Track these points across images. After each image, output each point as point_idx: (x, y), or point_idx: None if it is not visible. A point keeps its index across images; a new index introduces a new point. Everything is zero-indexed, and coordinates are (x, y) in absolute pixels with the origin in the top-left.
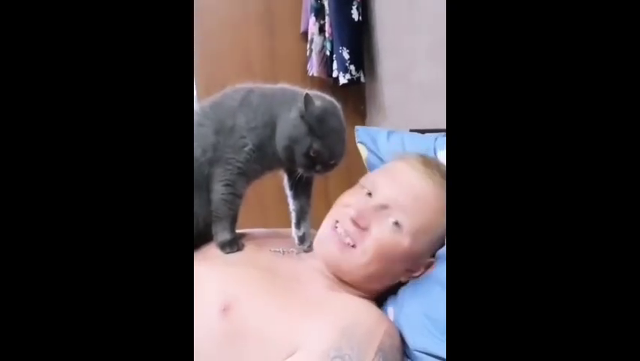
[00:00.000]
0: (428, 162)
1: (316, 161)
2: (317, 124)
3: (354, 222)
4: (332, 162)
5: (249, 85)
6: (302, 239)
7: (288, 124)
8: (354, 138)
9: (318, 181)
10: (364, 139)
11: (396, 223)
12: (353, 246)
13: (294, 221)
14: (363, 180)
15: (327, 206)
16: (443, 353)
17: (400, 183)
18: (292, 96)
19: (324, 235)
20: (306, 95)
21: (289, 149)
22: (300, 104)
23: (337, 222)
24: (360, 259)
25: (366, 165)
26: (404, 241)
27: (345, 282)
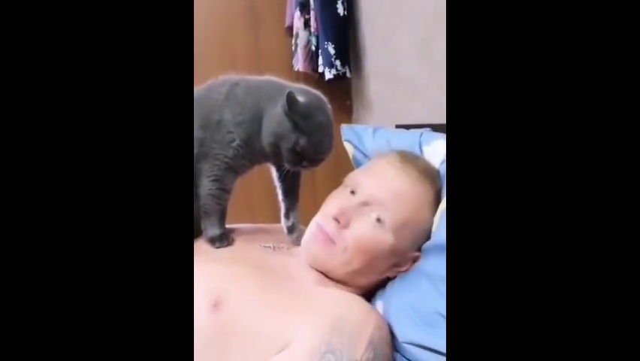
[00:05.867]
0: (406, 158)
1: (303, 156)
2: (302, 120)
3: (335, 220)
4: (319, 158)
5: (233, 77)
6: (291, 229)
7: (273, 121)
8: (340, 134)
9: (305, 176)
10: (350, 137)
11: (379, 220)
12: (334, 243)
13: (283, 211)
14: (346, 179)
15: (315, 201)
16: (431, 344)
17: (380, 180)
18: (278, 90)
19: (308, 235)
20: (289, 93)
21: (275, 145)
22: (284, 102)
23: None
24: (341, 255)
25: (352, 162)
26: (387, 237)
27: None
